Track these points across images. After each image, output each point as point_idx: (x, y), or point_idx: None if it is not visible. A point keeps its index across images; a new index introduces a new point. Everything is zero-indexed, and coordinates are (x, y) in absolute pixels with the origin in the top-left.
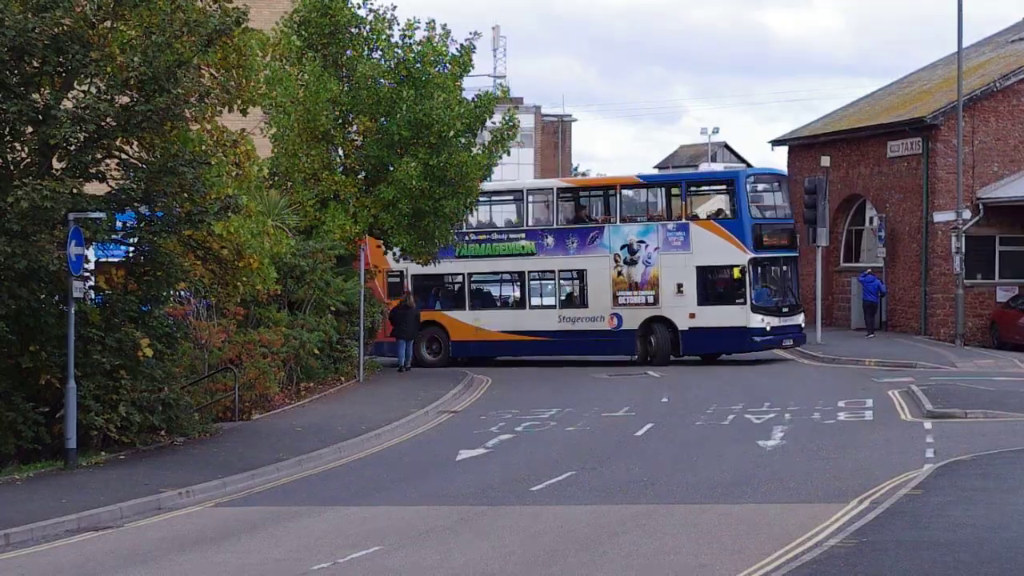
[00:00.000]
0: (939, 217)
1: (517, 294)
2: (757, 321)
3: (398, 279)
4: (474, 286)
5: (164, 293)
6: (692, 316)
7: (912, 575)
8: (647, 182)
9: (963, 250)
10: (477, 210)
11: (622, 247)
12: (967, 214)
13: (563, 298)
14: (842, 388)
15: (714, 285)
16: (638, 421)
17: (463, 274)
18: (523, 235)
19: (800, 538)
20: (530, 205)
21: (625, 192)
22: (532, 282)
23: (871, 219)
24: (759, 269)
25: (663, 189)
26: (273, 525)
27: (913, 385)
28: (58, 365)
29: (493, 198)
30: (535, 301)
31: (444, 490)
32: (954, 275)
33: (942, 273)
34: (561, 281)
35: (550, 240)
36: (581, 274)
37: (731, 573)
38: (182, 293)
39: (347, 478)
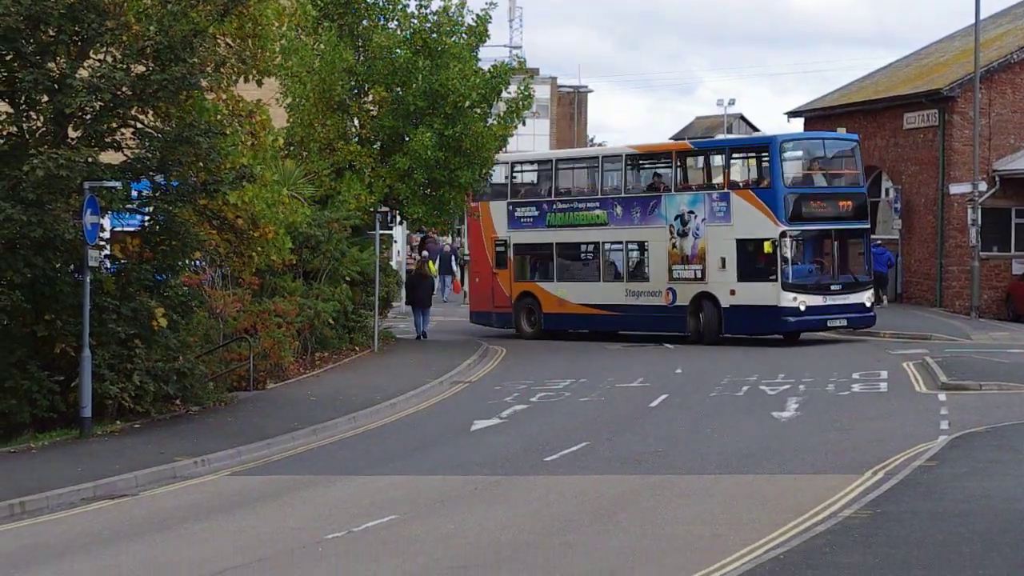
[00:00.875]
0: (955, 189)
1: (593, 266)
2: (788, 300)
3: (503, 248)
4: (559, 257)
5: (179, 262)
6: (733, 293)
7: (926, 545)
8: (697, 148)
9: (979, 222)
10: (559, 177)
11: (676, 217)
12: (983, 186)
13: (629, 271)
14: (856, 360)
15: (752, 260)
16: (652, 392)
17: (551, 244)
18: (597, 204)
19: (814, 509)
20: (603, 173)
21: (677, 160)
22: (605, 253)
23: (887, 191)
24: (795, 243)
25: (709, 156)
26: (288, 494)
27: (928, 357)
28: (73, 334)
29: (573, 165)
30: (608, 273)
31: (459, 460)
32: (970, 247)
33: (958, 245)
34: (628, 253)
35: (619, 210)
36: (643, 246)
37: (745, 543)
38: (197, 263)
39: (362, 447)
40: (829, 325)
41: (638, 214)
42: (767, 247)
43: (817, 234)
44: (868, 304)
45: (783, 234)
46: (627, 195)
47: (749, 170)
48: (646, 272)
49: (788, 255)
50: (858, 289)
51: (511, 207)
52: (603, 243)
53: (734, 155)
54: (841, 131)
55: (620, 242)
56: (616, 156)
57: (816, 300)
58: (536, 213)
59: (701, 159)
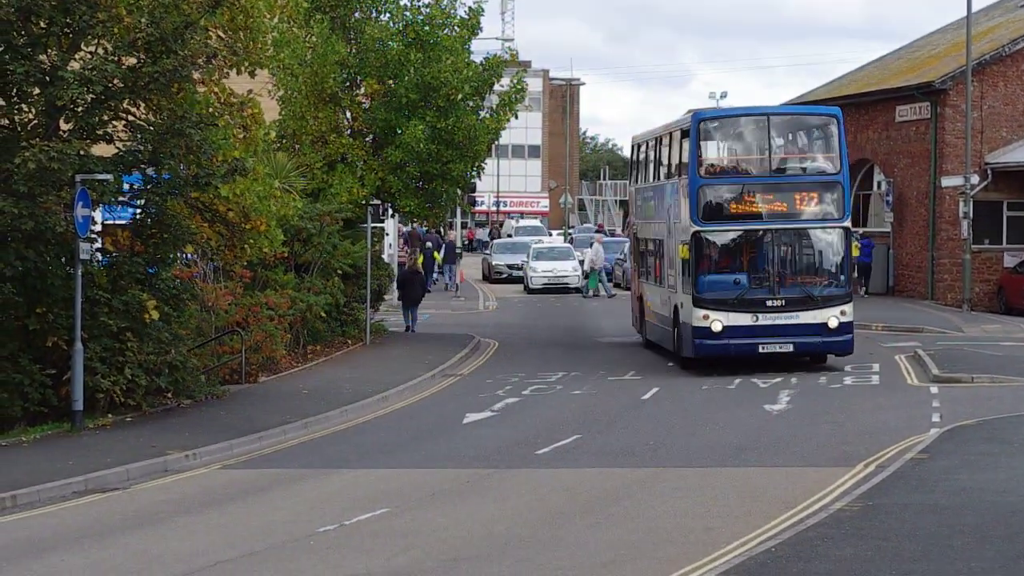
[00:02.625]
0: (947, 182)
1: (657, 268)
2: (698, 318)
3: (635, 243)
4: (647, 257)
5: (171, 255)
6: (682, 306)
7: (918, 538)
8: (681, 129)
9: (971, 215)
10: (647, 160)
11: (667, 210)
12: (975, 179)
13: (659, 275)
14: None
15: (686, 267)
16: (644, 385)
17: (645, 240)
18: (652, 194)
19: (806, 502)
20: (656, 157)
21: (670, 141)
22: (661, 253)
23: (879, 184)
24: (711, 246)
25: (681, 138)
26: (280, 487)
27: (920, 350)
28: (65, 327)
29: (649, 145)
30: (659, 278)
31: (450, 453)
32: (961, 240)
33: (949, 238)
34: (660, 253)
35: (657, 200)
36: (665, 245)
37: (737, 536)
38: (189, 255)
39: (354, 441)
40: (763, 351)
41: (661, 207)
42: (682, 251)
43: (747, 235)
44: (836, 325)
45: (694, 235)
46: (655, 183)
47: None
48: (664, 276)
49: (702, 261)
50: (816, 305)
51: (634, 194)
52: (654, 240)
53: (685, 137)
54: None
55: (658, 240)
56: (671, 134)
57: (740, 319)
58: (640, 202)
59: (681, 140)
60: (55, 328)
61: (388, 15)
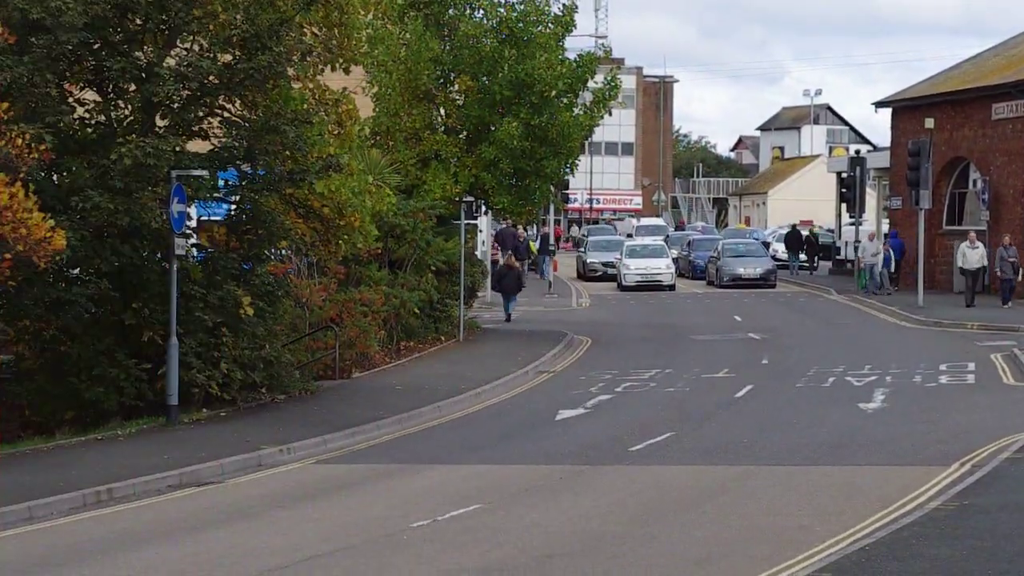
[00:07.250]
0: None
1: None
2: None
3: None
4: None
5: (266, 251)
6: None
7: (1014, 538)
8: None
9: None
10: None
11: None
12: None
13: None
14: (944, 351)
15: None
16: (738, 382)
17: None
18: None
19: (901, 500)
20: None
21: None
22: None
23: (974, 182)
24: None
25: None
26: (373, 482)
27: (1016, 349)
28: (160, 322)
29: None
30: None
31: (543, 449)
32: None
33: None
34: None
35: None
36: None
37: (831, 535)
38: (283, 251)
39: (447, 437)
40: None
41: None
42: None
43: None
44: None
45: None
46: None
47: None
48: None
49: None
50: None
51: None
52: None
53: None
54: (929, 122)
55: None
56: None
57: None
58: None
59: None
60: (151, 323)
61: (482, 12)
